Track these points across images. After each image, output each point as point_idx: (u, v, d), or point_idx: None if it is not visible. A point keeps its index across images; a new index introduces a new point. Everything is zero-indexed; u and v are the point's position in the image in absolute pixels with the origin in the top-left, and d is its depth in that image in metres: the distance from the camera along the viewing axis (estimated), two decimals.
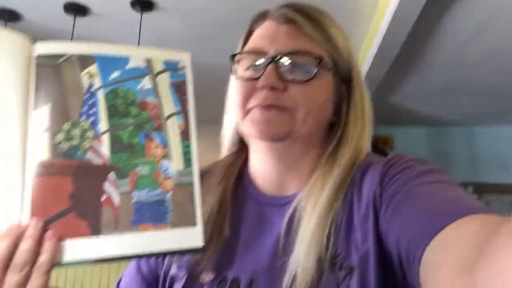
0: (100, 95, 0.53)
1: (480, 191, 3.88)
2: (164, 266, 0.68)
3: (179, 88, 0.57)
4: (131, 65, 0.55)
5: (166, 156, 0.54)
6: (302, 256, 0.57)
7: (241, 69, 0.66)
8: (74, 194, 0.49)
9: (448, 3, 2.24)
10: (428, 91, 3.48)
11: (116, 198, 0.51)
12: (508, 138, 4.19)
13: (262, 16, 0.68)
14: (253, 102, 0.63)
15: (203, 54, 2.98)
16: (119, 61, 0.54)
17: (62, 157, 0.50)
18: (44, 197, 0.48)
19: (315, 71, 0.62)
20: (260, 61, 0.64)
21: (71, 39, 2.57)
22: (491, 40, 2.61)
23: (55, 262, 0.47)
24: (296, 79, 0.62)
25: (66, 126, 0.51)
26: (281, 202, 0.66)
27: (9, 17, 2.62)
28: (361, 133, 0.67)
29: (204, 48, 2.93)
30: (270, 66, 0.61)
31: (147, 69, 0.56)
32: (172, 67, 0.57)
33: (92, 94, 0.53)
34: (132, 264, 0.74)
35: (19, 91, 0.49)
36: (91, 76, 0.53)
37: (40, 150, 0.49)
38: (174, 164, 0.54)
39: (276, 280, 0.59)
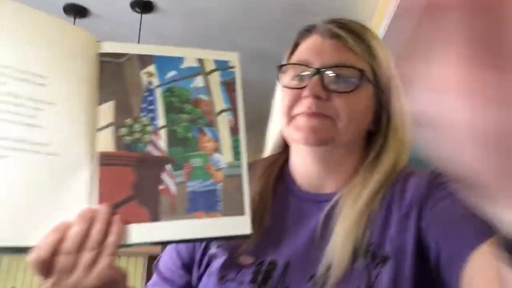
0: (158, 93, 0.57)
1: None
2: (202, 246, 0.72)
3: (228, 86, 0.61)
4: (185, 64, 0.59)
5: (217, 149, 0.59)
6: (339, 244, 0.61)
7: (287, 79, 0.70)
8: (135, 183, 0.54)
9: None
10: None
11: (172, 188, 0.55)
12: None
13: (308, 31, 0.73)
14: (298, 110, 0.67)
15: None
16: (174, 61, 0.59)
17: (125, 149, 0.54)
18: (110, 185, 0.53)
19: (357, 83, 0.67)
20: (306, 72, 0.68)
21: None
22: None
23: (121, 244, 0.51)
24: (339, 89, 0.66)
25: (129, 121, 0.55)
26: (320, 199, 0.70)
27: None
28: (401, 142, 0.71)
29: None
30: (315, 77, 0.66)
31: (200, 69, 0.60)
32: (222, 66, 0.62)
33: (151, 92, 0.57)
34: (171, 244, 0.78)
35: (86, 86, 0.53)
36: (149, 75, 0.57)
37: (106, 142, 0.53)
38: (224, 157, 0.59)
39: (311, 265, 0.63)
